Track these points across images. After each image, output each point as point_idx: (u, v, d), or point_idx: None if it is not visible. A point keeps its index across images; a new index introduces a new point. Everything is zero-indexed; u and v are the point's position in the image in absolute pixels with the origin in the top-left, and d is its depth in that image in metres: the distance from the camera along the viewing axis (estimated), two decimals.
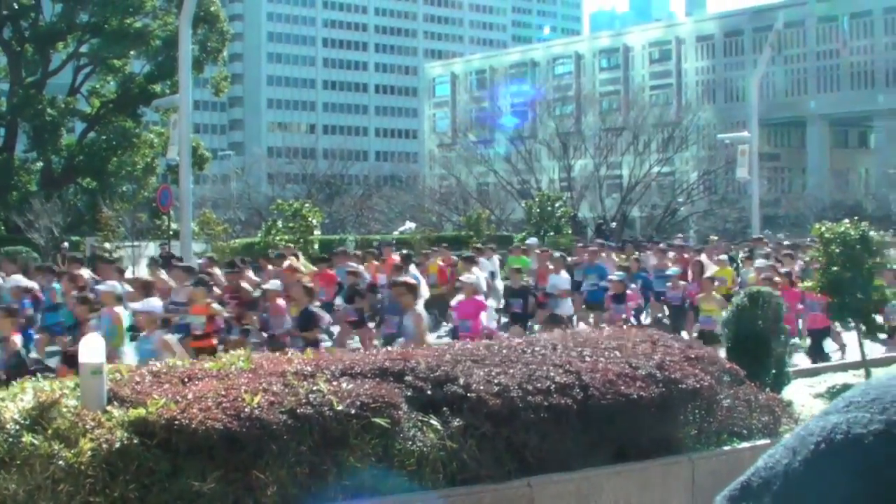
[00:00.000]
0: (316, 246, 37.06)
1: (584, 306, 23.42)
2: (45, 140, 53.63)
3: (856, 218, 17.25)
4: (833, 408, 1.17)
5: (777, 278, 19.62)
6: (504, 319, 22.74)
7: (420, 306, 15.33)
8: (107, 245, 40.68)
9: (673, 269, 23.79)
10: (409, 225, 59.58)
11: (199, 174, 58.65)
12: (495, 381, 8.65)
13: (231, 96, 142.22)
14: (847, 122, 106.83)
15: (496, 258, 27.38)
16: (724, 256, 27.00)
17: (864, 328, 16.64)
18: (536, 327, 21.37)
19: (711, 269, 23.58)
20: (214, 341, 16.21)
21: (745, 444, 10.04)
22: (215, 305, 16.91)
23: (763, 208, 44.93)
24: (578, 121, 76.53)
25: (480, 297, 17.96)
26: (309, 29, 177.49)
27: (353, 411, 7.64)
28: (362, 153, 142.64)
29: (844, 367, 16.65)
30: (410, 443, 7.91)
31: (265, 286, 18.72)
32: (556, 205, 45.21)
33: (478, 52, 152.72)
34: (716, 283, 20.77)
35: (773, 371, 12.77)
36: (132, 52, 56.36)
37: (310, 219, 38.06)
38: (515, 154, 70.43)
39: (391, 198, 77.29)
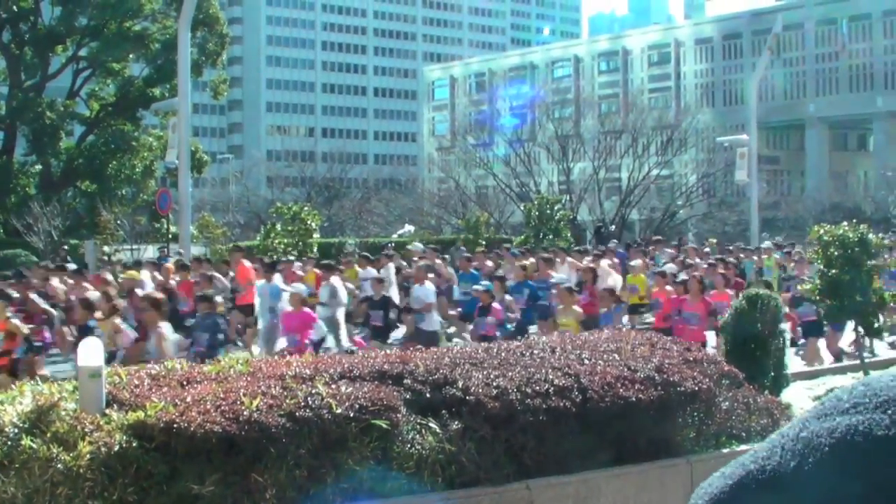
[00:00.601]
0: (315, 249, 37.05)
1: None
2: (45, 143, 53.64)
3: (854, 221, 17.25)
4: (834, 409, 1.12)
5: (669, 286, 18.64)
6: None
7: (166, 324, 13.57)
8: (105, 248, 40.66)
9: (559, 277, 22.05)
10: (408, 228, 59.57)
11: (197, 177, 58.71)
12: (494, 383, 8.66)
13: (230, 99, 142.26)
14: (846, 124, 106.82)
15: (392, 266, 25.12)
16: (638, 262, 25.04)
17: (862, 330, 16.65)
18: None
19: (612, 278, 22.17)
20: (8, 359, 14.73)
21: (744, 447, 10.03)
22: (14, 321, 15.36)
23: (762, 211, 44.91)
24: (577, 124, 76.53)
25: (308, 309, 16.83)
26: (308, 32, 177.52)
27: (351, 414, 7.64)
28: (361, 156, 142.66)
29: (843, 370, 16.64)
30: (409, 446, 7.92)
31: (74, 296, 17.67)
32: (555, 208, 45.15)
33: (476, 56, 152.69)
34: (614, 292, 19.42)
35: (772, 373, 12.79)
36: (131, 56, 56.42)
37: (309, 222, 38.03)
38: (514, 157, 70.39)
39: (390, 201, 77.30)
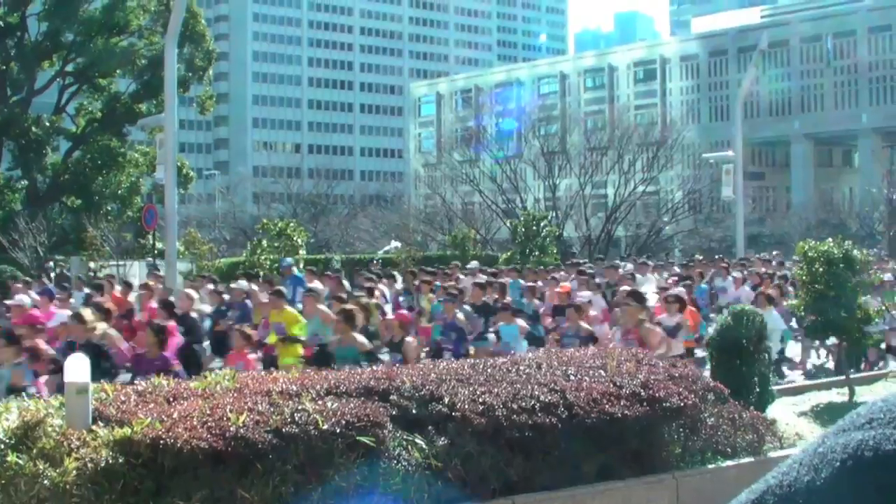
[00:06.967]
0: (301, 265, 36.99)
1: None
2: (31, 159, 53.56)
3: (839, 236, 17.30)
4: (851, 424, 1.15)
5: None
6: None
7: None
8: (91, 265, 40.55)
9: None
10: (395, 244, 59.50)
11: (183, 193, 58.64)
12: (480, 400, 8.67)
13: (216, 115, 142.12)
14: (831, 141, 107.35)
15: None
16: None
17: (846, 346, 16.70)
18: None
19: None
20: None
21: (730, 463, 10.07)
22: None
23: (748, 227, 45.03)
24: (563, 140, 76.59)
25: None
26: (295, 48, 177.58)
27: (338, 430, 7.64)
28: (348, 172, 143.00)
29: (828, 386, 16.66)
30: (395, 462, 7.92)
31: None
32: (542, 224, 45.15)
33: (463, 72, 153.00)
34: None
35: (757, 389, 12.79)
36: (118, 71, 56.38)
37: (295, 238, 37.98)
38: (501, 173, 70.42)
39: (376, 217, 77.33)
